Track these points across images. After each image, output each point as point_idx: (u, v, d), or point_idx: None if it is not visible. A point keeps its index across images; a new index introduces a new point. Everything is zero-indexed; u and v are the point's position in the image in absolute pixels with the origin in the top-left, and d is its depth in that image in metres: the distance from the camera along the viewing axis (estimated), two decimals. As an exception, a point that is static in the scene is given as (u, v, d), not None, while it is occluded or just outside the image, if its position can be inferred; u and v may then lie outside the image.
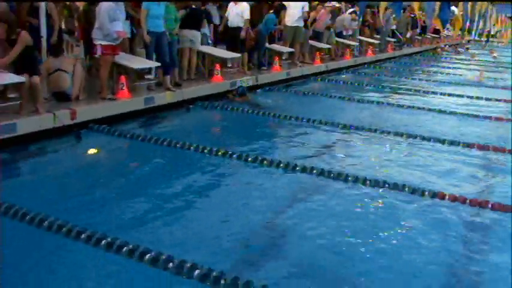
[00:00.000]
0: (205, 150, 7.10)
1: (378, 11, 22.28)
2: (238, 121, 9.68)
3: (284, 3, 14.30)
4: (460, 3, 33.27)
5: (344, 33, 18.53)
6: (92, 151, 7.34)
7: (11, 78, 7.17)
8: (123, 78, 8.81)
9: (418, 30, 26.19)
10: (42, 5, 8.35)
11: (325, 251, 4.61)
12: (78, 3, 11.30)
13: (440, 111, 10.83)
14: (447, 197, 5.79)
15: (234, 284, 3.83)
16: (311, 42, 16.16)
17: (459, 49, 30.76)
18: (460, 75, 18.19)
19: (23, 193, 5.51)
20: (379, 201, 5.78)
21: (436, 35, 30.92)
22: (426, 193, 5.87)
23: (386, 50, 22.05)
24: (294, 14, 14.42)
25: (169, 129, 8.78)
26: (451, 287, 4.26)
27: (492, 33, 41.80)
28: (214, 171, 6.60)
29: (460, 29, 35.30)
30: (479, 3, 34.40)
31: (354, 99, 11.98)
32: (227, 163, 6.85)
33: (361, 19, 20.41)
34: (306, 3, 14.81)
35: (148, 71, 10.29)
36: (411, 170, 6.93)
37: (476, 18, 36.81)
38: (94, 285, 3.91)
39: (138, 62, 9.56)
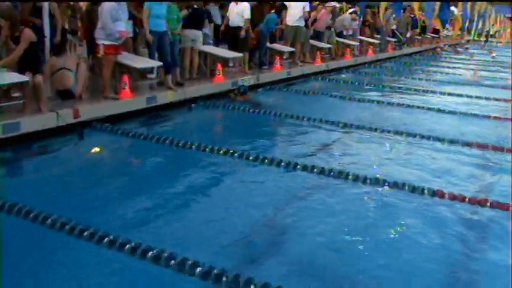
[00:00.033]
0: (207, 149, 7.13)
1: (378, 11, 22.31)
2: (239, 120, 9.71)
3: (285, 3, 14.37)
4: (460, 3, 33.26)
5: (344, 33, 18.57)
6: (95, 150, 7.38)
7: (15, 77, 7.21)
8: (125, 78, 8.85)
9: (417, 30, 26.23)
10: (46, 5, 8.38)
11: (325, 249, 4.63)
12: (81, 3, 11.33)
13: (439, 110, 10.87)
14: (446, 195, 5.82)
15: (235, 281, 3.85)
16: (312, 41, 16.19)
17: (458, 49, 30.74)
18: (460, 74, 18.20)
19: (26, 191, 5.54)
20: (379, 199, 5.82)
21: (436, 35, 30.95)
22: (426, 191, 5.90)
23: (387, 50, 22.07)
24: (294, 13, 14.43)
25: (171, 128, 8.81)
26: (450, 285, 4.28)
27: (491, 33, 41.77)
28: (216, 170, 6.63)
29: (460, 29, 35.31)
30: (478, 3, 34.38)
31: (354, 98, 12.00)
32: (228, 162, 6.87)
33: (361, 19, 20.46)
34: (307, 3, 14.84)
35: (151, 70, 10.34)
36: (411, 168, 6.96)
37: (476, 19, 36.81)
38: (97, 282, 3.93)
39: (140, 62, 9.59)
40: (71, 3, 10.90)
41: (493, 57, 26.18)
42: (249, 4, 12.54)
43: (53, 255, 4.31)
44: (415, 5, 25.54)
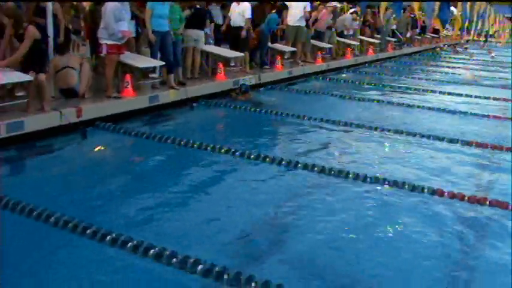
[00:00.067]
0: (209, 148, 7.16)
1: (379, 11, 22.36)
2: (241, 119, 9.74)
3: (286, 3, 14.41)
4: (459, 4, 33.28)
5: (345, 32, 18.63)
6: (97, 149, 7.43)
7: (19, 76, 7.23)
8: (128, 77, 8.89)
9: (417, 30, 26.26)
10: (49, 5, 8.41)
11: (326, 247, 4.65)
12: (84, 3, 11.38)
13: (439, 110, 10.90)
14: (446, 194, 5.83)
15: (236, 279, 3.86)
16: (313, 41, 16.23)
17: (458, 49, 30.77)
18: (459, 74, 18.23)
19: (30, 189, 5.58)
20: (379, 198, 5.83)
21: (436, 35, 30.98)
22: (425, 190, 5.91)
23: (387, 50, 22.12)
24: (296, 14, 14.48)
25: (174, 127, 8.85)
26: (450, 283, 4.28)
27: (490, 33, 41.78)
28: (217, 169, 6.66)
29: (459, 29, 35.33)
30: (477, 3, 34.39)
31: (354, 97, 12.04)
32: (230, 160, 6.89)
33: (361, 19, 20.50)
34: (308, 3, 14.90)
35: (153, 69, 10.38)
36: (410, 167, 6.99)
37: (475, 19, 36.81)
38: (99, 280, 3.94)
39: (143, 61, 9.62)
40: (74, 3, 10.93)
41: (492, 57, 26.23)
42: (250, 4, 12.59)
43: (56, 253, 4.33)
44: (415, 5, 25.56)
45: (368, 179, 6.22)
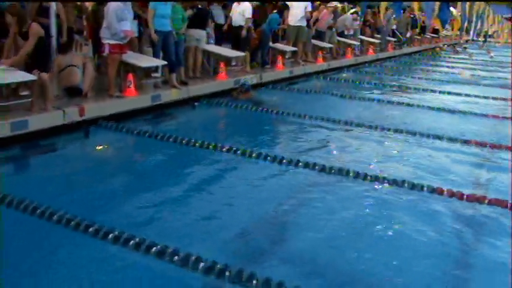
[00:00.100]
0: (210, 146, 7.19)
1: (379, 11, 22.39)
2: (242, 118, 9.76)
3: (287, 3, 14.45)
4: (458, 4, 33.27)
5: (346, 32, 18.66)
6: (100, 147, 7.47)
7: (23, 76, 7.25)
8: (130, 76, 8.93)
9: (417, 30, 26.30)
10: (53, 5, 8.43)
11: (326, 245, 4.68)
12: (87, 3, 11.41)
13: (439, 109, 10.95)
14: (445, 192, 5.87)
15: (238, 276, 3.90)
16: (313, 41, 16.26)
17: (457, 49, 30.74)
18: (459, 74, 18.26)
19: (33, 188, 5.59)
20: (379, 196, 5.87)
21: (435, 35, 30.99)
22: (425, 189, 5.95)
23: (387, 49, 22.13)
24: (297, 13, 14.50)
25: (176, 126, 8.88)
26: (449, 281, 4.30)
27: (489, 33, 41.75)
28: (219, 167, 6.69)
29: (459, 29, 35.32)
30: (476, 3, 34.37)
31: (354, 97, 12.07)
32: (231, 159, 6.93)
33: (362, 19, 20.54)
34: (309, 3, 14.91)
35: (155, 69, 10.40)
36: (410, 166, 7.02)
37: (474, 19, 36.78)
38: (101, 277, 3.97)
39: (145, 61, 9.65)
40: (78, 3, 10.97)
41: (491, 57, 26.24)
42: (250, 4, 12.63)
43: (57, 252, 4.34)
44: (415, 5, 25.58)
45: (368, 178, 6.26)
